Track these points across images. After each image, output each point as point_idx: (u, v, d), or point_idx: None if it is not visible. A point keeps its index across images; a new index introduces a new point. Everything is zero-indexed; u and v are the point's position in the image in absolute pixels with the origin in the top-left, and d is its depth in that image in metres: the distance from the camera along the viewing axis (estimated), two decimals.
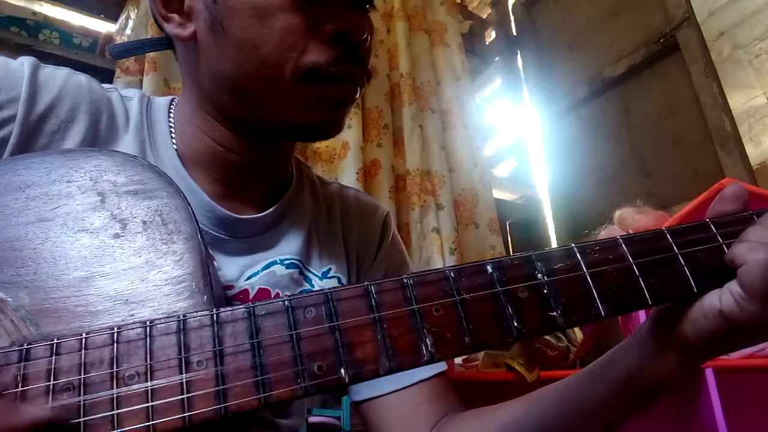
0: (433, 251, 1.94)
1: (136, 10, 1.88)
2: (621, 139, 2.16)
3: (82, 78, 0.61)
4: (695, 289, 0.41)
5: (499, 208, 2.24)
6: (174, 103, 0.67)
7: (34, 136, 0.55)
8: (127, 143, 0.61)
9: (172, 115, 0.65)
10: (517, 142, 2.75)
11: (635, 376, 0.46)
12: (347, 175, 1.87)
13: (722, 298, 0.40)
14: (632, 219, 1.48)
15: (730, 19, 1.79)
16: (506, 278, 0.40)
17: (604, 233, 1.54)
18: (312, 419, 1.60)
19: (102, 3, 1.96)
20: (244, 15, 0.54)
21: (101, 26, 1.98)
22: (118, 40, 1.93)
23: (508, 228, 2.42)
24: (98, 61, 1.83)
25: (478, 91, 2.86)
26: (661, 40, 2.00)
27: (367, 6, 0.61)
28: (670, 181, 1.94)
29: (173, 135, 0.64)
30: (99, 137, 0.59)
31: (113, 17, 1.95)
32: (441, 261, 1.92)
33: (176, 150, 0.63)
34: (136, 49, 0.68)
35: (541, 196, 2.54)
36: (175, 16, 0.59)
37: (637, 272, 0.41)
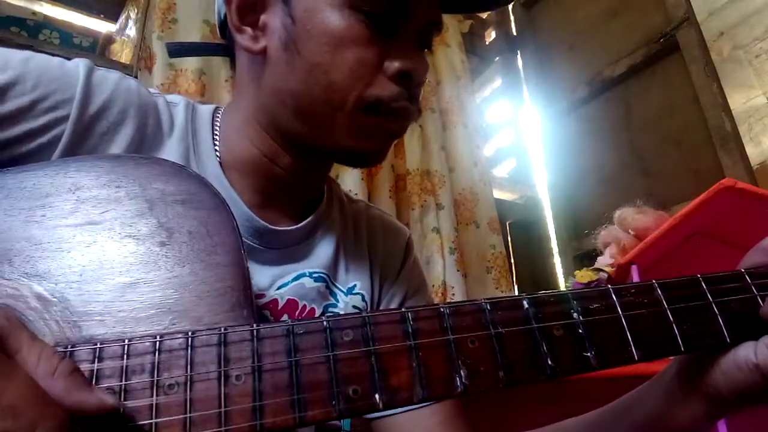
0: (433, 251, 1.94)
1: (136, 10, 1.88)
2: (621, 139, 2.16)
3: (132, 82, 0.62)
4: (728, 340, 0.41)
5: (499, 208, 2.24)
6: (218, 111, 0.68)
7: (84, 136, 0.55)
8: (171, 148, 0.61)
9: (217, 122, 0.67)
10: (517, 142, 2.76)
11: (659, 422, 0.46)
12: (352, 174, 1.86)
13: (758, 353, 0.40)
14: (632, 219, 1.49)
15: (730, 19, 1.80)
16: (542, 314, 0.40)
17: (604, 233, 1.55)
18: None
19: (102, 3, 1.96)
20: (321, 41, 0.55)
21: (101, 26, 1.98)
22: (118, 40, 1.92)
23: (508, 228, 2.43)
24: (98, 61, 1.82)
25: (478, 91, 2.86)
26: (661, 40, 2.01)
27: (426, 48, 0.63)
28: (670, 181, 1.95)
29: (216, 143, 0.65)
30: (145, 141, 0.60)
31: (113, 17, 1.95)
32: (441, 261, 1.93)
33: (219, 158, 0.64)
34: (192, 50, 0.70)
35: (541, 196, 2.55)
36: (249, 30, 0.60)
37: (671, 318, 0.41)
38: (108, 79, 0.59)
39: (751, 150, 1.70)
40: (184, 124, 0.63)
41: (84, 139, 0.55)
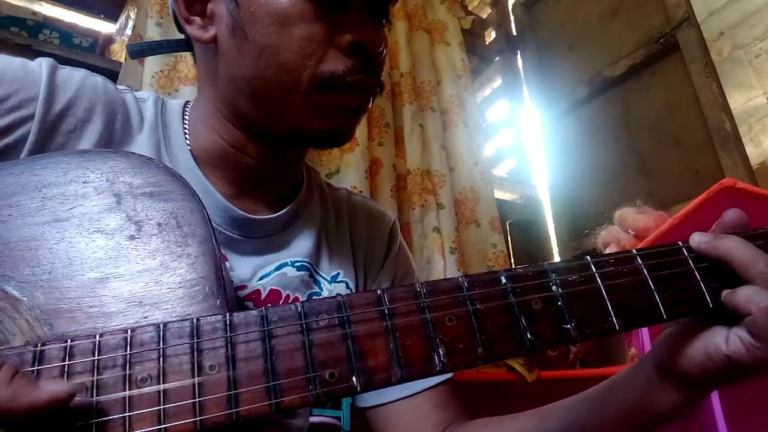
0: (434, 251, 1.94)
1: (136, 10, 1.88)
2: (621, 139, 2.16)
3: (98, 79, 0.62)
4: (711, 305, 0.41)
5: (499, 207, 2.24)
6: (188, 105, 0.68)
7: (51, 135, 0.55)
8: (141, 144, 0.61)
9: (186, 116, 0.66)
10: (517, 142, 2.75)
11: (639, 408, 0.46)
12: (355, 172, 1.85)
13: (730, 343, 0.40)
14: (632, 219, 1.48)
15: (730, 19, 1.79)
16: (520, 289, 0.39)
17: (604, 233, 1.55)
18: (312, 419, 1.60)
19: (102, 3, 1.96)
20: (266, 22, 0.55)
21: (101, 26, 1.98)
22: (118, 40, 1.93)
23: (507, 228, 2.42)
24: (98, 61, 1.83)
25: (478, 90, 2.86)
26: (661, 40, 2.01)
27: (383, 19, 0.62)
28: (670, 181, 1.95)
29: (187, 136, 0.64)
30: (114, 137, 0.60)
31: (113, 17, 1.95)
32: (442, 260, 1.92)
33: (191, 151, 0.63)
34: (153, 49, 0.69)
35: (541, 196, 2.54)
36: (197, 19, 0.60)
37: (652, 286, 0.41)
38: (72, 77, 0.59)
39: (751, 150, 1.69)
40: (153, 119, 0.63)
41: (51, 138, 0.55)
